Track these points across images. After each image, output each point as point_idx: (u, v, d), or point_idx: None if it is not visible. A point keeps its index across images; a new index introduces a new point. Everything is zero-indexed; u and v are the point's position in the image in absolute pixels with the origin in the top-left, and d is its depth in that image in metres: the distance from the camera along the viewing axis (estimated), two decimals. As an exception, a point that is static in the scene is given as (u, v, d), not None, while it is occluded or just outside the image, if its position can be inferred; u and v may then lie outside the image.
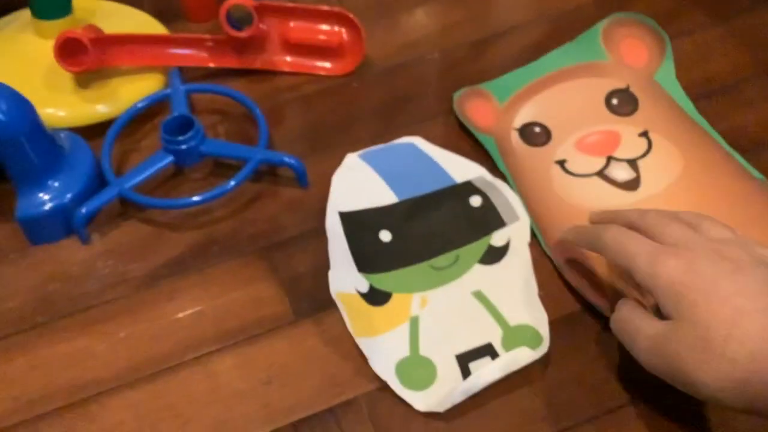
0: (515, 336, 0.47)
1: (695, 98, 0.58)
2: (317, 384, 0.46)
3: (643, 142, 0.55)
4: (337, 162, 0.54)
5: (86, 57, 0.57)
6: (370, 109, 0.61)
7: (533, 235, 0.52)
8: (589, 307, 0.48)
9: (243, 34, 0.60)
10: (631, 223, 0.44)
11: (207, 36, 0.62)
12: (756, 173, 0.53)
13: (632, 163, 0.54)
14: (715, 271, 0.39)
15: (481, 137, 0.57)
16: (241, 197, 0.55)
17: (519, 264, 0.50)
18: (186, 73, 0.62)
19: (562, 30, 0.63)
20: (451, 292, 0.49)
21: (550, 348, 0.46)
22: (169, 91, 0.59)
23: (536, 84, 0.60)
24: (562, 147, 0.56)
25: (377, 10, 0.68)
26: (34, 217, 0.52)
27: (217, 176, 0.56)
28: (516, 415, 0.44)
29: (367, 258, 0.50)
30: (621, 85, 0.59)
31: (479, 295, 0.49)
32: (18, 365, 0.48)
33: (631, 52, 0.60)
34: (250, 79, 0.62)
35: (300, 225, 0.53)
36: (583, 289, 0.48)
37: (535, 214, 0.52)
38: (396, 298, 0.49)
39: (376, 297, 0.49)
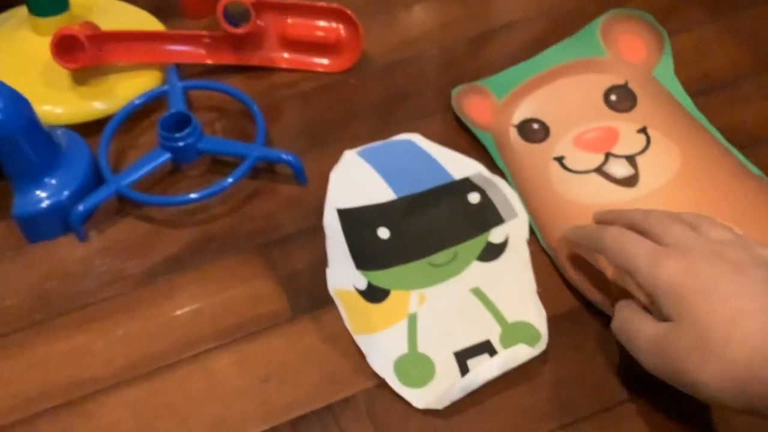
0: (514, 333, 0.47)
1: (694, 94, 0.58)
2: (315, 381, 0.46)
3: (642, 138, 0.55)
4: (335, 159, 0.54)
5: (83, 54, 0.57)
6: (368, 106, 0.61)
7: (531, 231, 0.52)
8: (587, 304, 0.48)
9: (240, 31, 0.60)
10: (633, 223, 0.44)
11: (204, 32, 0.61)
12: (754, 169, 0.53)
13: (631, 159, 0.54)
14: (715, 273, 0.39)
15: (479, 134, 0.57)
16: (239, 194, 0.55)
17: (517, 261, 0.50)
18: (183, 70, 0.62)
19: (560, 26, 0.63)
20: (450, 289, 0.49)
21: (549, 345, 0.46)
22: (166, 87, 0.59)
23: (534, 80, 0.60)
24: (560, 143, 0.56)
25: (375, 7, 0.67)
26: (31, 214, 0.52)
27: (215, 173, 0.56)
28: (514, 412, 0.44)
29: (366, 255, 0.50)
30: (619, 81, 0.59)
31: (477, 292, 0.49)
32: (16, 363, 0.47)
33: (629, 48, 0.60)
34: (248, 76, 0.62)
35: (298, 222, 0.53)
36: (582, 287, 0.48)
37: (534, 210, 0.52)
38: (394, 295, 0.49)
39: (374, 294, 0.49)
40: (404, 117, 0.59)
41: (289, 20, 0.62)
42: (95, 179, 0.54)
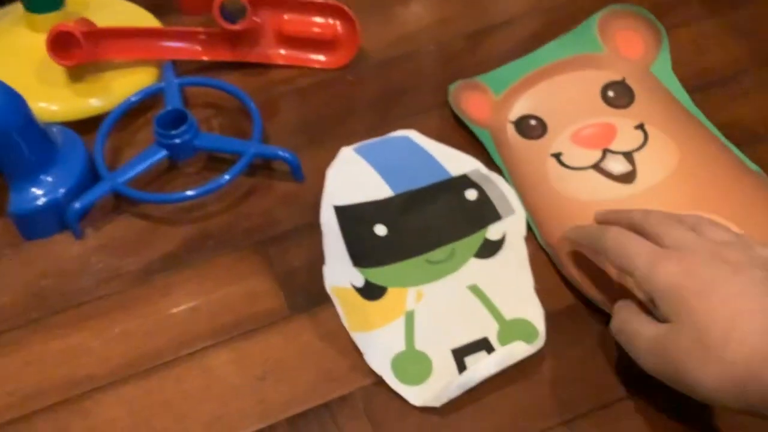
0: (511, 330, 0.47)
1: (691, 90, 0.58)
2: (312, 379, 0.46)
3: (639, 134, 0.55)
4: (332, 155, 0.54)
5: (79, 50, 0.57)
6: (365, 102, 0.61)
7: (529, 228, 0.51)
8: (585, 301, 0.48)
9: (237, 27, 0.59)
10: (634, 224, 0.44)
11: (200, 29, 0.61)
12: (752, 165, 0.53)
13: (628, 155, 0.54)
14: (715, 274, 0.39)
15: (476, 130, 0.56)
16: (236, 191, 0.55)
17: (515, 258, 0.50)
18: (179, 67, 0.61)
19: (557, 22, 0.63)
20: (447, 286, 0.49)
21: (546, 342, 0.46)
22: (162, 84, 0.59)
23: (532, 76, 0.59)
24: (557, 140, 0.56)
25: (372, 2, 0.67)
26: (27, 212, 0.52)
27: (211, 170, 0.56)
28: (512, 409, 0.44)
29: (363, 252, 0.50)
30: (617, 77, 0.58)
31: (475, 289, 0.49)
32: (12, 361, 0.47)
33: (627, 44, 0.60)
34: (244, 73, 0.62)
35: (295, 219, 0.53)
36: (581, 284, 0.48)
37: (531, 207, 0.52)
38: (391, 292, 0.49)
39: (371, 291, 0.49)
40: (401, 113, 0.59)
41: (286, 16, 0.61)
42: (91, 177, 0.54)
